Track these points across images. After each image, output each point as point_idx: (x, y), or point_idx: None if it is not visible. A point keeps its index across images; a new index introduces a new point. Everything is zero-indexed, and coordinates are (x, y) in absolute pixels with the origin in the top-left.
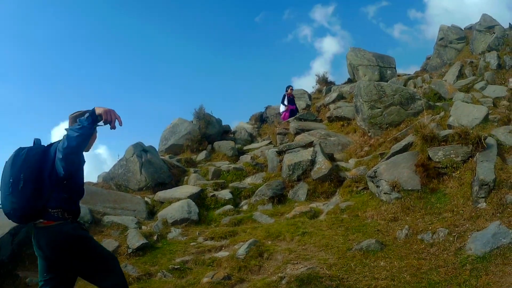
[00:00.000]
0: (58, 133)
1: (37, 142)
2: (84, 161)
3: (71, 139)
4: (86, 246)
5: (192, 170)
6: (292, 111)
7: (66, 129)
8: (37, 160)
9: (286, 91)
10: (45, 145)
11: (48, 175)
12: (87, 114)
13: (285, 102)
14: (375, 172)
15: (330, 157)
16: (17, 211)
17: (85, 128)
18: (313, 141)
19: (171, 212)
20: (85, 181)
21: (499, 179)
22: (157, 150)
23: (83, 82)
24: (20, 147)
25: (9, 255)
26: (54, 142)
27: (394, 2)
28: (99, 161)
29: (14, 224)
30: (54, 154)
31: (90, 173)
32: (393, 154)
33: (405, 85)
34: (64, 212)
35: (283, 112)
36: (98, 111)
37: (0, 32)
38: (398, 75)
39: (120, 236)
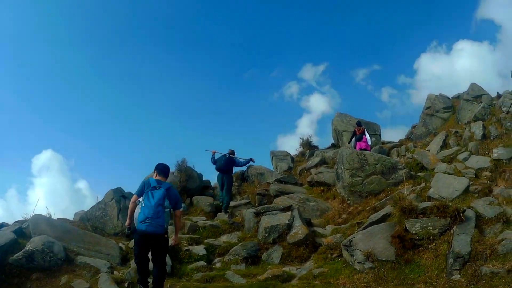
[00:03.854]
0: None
1: None
2: None
3: None
4: None
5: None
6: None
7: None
8: None
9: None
10: None
11: None
12: None
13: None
14: (351, 241)
15: (308, 222)
16: None
17: None
18: (291, 205)
19: None
20: (62, 217)
21: (475, 251)
22: None
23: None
24: None
25: None
26: None
27: (385, 67)
28: (78, 196)
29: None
30: None
31: (68, 208)
32: (371, 224)
33: (388, 153)
34: None
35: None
36: None
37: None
38: (383, 143)
39: (92, 279)
